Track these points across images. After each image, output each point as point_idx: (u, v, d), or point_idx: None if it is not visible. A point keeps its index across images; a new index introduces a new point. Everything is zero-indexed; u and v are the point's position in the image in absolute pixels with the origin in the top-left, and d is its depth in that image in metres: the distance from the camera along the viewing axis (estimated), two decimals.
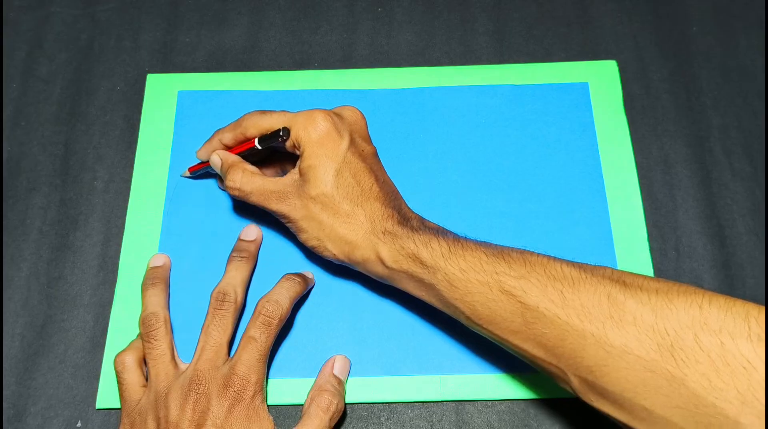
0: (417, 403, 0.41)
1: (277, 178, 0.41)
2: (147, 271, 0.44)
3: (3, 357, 0.43)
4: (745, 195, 0.47)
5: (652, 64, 0.51)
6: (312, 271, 0.44)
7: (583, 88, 0.50)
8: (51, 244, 0.46)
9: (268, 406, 0.39)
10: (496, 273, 0.34)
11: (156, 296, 0.42)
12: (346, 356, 0.41)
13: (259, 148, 0.41)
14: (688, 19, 0.53)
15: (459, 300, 0.35)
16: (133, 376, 0.39)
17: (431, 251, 0.36)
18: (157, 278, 0.43)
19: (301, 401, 0.40)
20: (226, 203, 0.47)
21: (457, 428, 0.41)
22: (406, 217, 0.40)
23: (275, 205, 0.40)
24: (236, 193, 0.42)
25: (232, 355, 0.39)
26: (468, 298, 0.35)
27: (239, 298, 0.41)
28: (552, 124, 0.48)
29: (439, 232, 0.38)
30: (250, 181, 0.41)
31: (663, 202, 0.47)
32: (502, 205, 0.46)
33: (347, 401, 0.41)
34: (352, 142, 0.40)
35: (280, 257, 0.45)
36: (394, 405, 0.41)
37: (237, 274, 0.42)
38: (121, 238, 0.46)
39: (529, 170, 0.47)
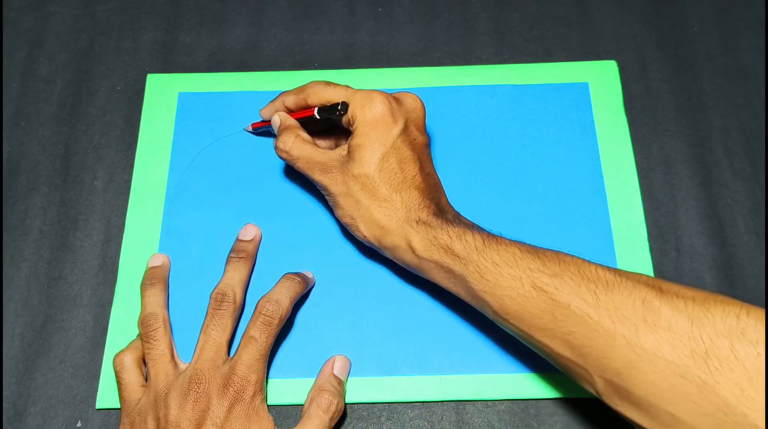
0: (417, 403, 0.41)
1: (326, 151, 0.41)
2: (146, 271, 0.44)
3: (3, 357, 0.43)
4: (745, 195, 0.47)
5: (653, 64, 0.51)
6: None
7: (583, 88, 0.50)
8: (51, 244, 0.46)
9: (268, 406, 0.39)
10: (529, 268, 0.34)
11: (155, 296, 0.42)
12: (346, 356, 0.41)
13: (318, 117, 0.42)
14: (688, 19, 0.53)
15: (488, 292, 0.35)
16: (132, 376, 0.39)
17: (465, 243, 0.36)
18: (156, 278, 0.43)
19: (301, 401, 0.40)
20: (226, 203, 0.47)
21: (457, 428, 0.41)
22: (442, 210, 0.40)
23: (318, 176, 0.41)
24: (284, 155, 0.42)
25: (232, 355, 0.39)
26: (498, 292, 0.35)
27: (238, 299, 0.41)
28: (552, 124, 0.48)
29: (474, 227, 0.38)
30: (300, 147, 0.42)
31: (663, 202, 0.47)
32: (502, 204, 0.46)
33: (347, 401, 0.41)
34: (405, 129, 0.40)
35: (280, 257, 0.45)
36: (394, 405, 0.41)
37: (235, 275, 0.42)
38: (121, 238, 0.46)
39: (529, 170, 0.47)
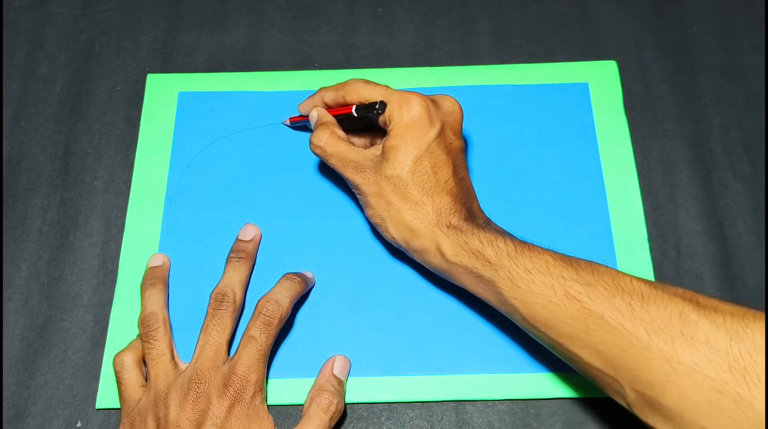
0: (417, 403, 0.41)
1: (360, 149, 0.41)
2: (146, 271, 0.44)
3: (3, 357, 0.43)
4: (745, 195, 0.47)
5: (652, 64, 0.51)
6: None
7: (583, 88, 0.50)
8: (51, 244, 0.46)
9: (268, 406, 0.39)
10: (563, 277, 0.34)
11: (155, 296, 0.42)
12: (345, 356, 0.41)
13: (355, 115, 0.42)
14: (688, 19, 0.53)
15: (519, 299, 0.35)
16: (132, 376, 0.39)
17: (496, 249, 0.36)
18: (156, 278, 0.43)
19: (301, 401, 0.40)
20: (226, 203, 0.47)
21: (457, 428, 0.41)
22: (473, 215, 0.39)
23: (350, 174, 0.41)
24: (318, 151, 0.42)
25: (232, 355, 0.39)
26: (529, 299, 0.34)
27: (238, 299, 0.41)
28: (552, 125, 0.48)
29: (505, 233, 0.38)
30: (334, 143, 0.42)
31: (663, 202, 0.47)
32: (502, 204, 0.46)
33: (347, 401, 0.41)
34: (442, 132, 0.40)
35: (280, 257, 0.45)
36: (394, 405, 0.41)
37: (235, 275, 0.42)
38: (121, 238, 0.46)
39: (528, 170, 0.47)
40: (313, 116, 0.44)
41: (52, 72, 0.52)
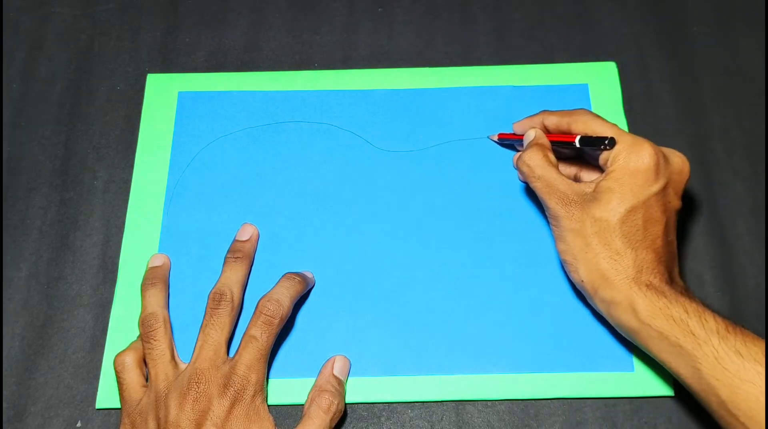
0: (417, 403, 0.41)
1: (570, 181, 0.40)
2: (146, 271, 0.44)
3: (3, 357, 0.43)
4: (745, 195, 0.47)
5: (652, 65, 0.51)
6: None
7: (583, 89, 0.50)
8: (51, 244, 0.46)
9: (268, 406, 0.39)
10: None
11: (155, 296, 0.42)
12: (345, 356, 0.41)
13: (577, 145, 0.40)
14: (688, 19, 0.53)
15: (722, 382, 0.33)
16: (132, 377, 0.39)
17: (704, 323, 0.34)
18: (157, 278, 0.43)
19: (301, 401, 0.40)
20: (226, 203, 0.46)
21: (457, 428, 0.41)
22: (673, 280, 0.38)
23: (554, 203, 0.39)
24: (526, 169, 0.41)
25: (231, 355, 0.39)
26: (735, 383, 0.32)
27: (236, 298, 0.41)
28: None
29: (710, 307, 0.36)
30: (545, 167, 0.40)
31: None
32: (502, 204, 0.46)
33: (347, 401, 0.41)
34: (664, 189, 0.38)
35: (280, 257, 0.45)
36: (394, 405, 0.41)
37: (233, 275, 0.42)
38: (121, 238, 0.46)
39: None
40: (530, 135, 0.43)
41: (52, 72, 0.52)
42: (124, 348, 0.41)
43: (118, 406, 0.41)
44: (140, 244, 0.45)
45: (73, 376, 0.42)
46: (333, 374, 0.40)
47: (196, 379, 0.37)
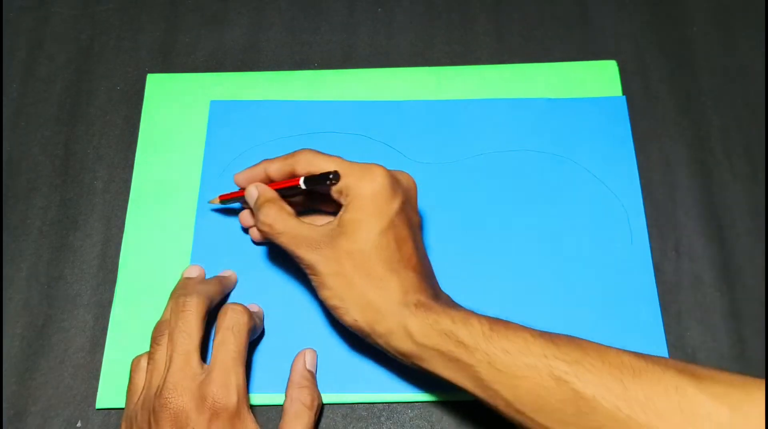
0: (417, 403, 0.41)
1: (313, 225, 0.38)
2: (179, 281, 0.42)
3: (3, 357, 0.43)
4: (745, 195, 0.47)
5: (652, 64, 0.51)
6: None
7: (620, 101, 0.49)
8: (51, 244, 0.46)
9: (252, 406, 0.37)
10: (545, 356, 0.32)
11: None
12: (313, 349, 0.41)
13: (303, 187, 0.39)
14: (688, 19, 0.53)
15: (501, 384, 0.32)
16: (138, 379, 0.39)
17: (470, 328, 0.34)
18: (185, 289, 0.41)
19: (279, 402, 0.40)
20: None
21: (457, 428, 0.41)
22: (438, 294, 0.38)
23: (304, 253, 0.37)
24: (266, 229, 0.39)
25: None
26: (511, 382, 0.32)
27: (202, 300, 0.38)
28: (587, 139, 0.48)
29: (474, 312, 0.36)
30: (284, 220, 0.38)
31: (663, 202, 0.47)
32: (534, 216, 0.46)
33: (347, 401, 0.41)
34: (403, 206, 0.38)
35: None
36: (394, 405, 0.41)
37: (197, 285, 0.40)
38: (121, 238, 0.46)
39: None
40: (252, 194, 0.40)
41: (51, 72, 0.52)
42: (124, 348, 0.41)
43: (119, 406, 0.41)
44: (140, 244, 0.45)
45: (73, 376, 0.42)
46: (306, 369, 0.40)
47: (168, 395, 0.35)
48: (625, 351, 0.32)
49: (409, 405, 0.41)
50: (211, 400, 0.34)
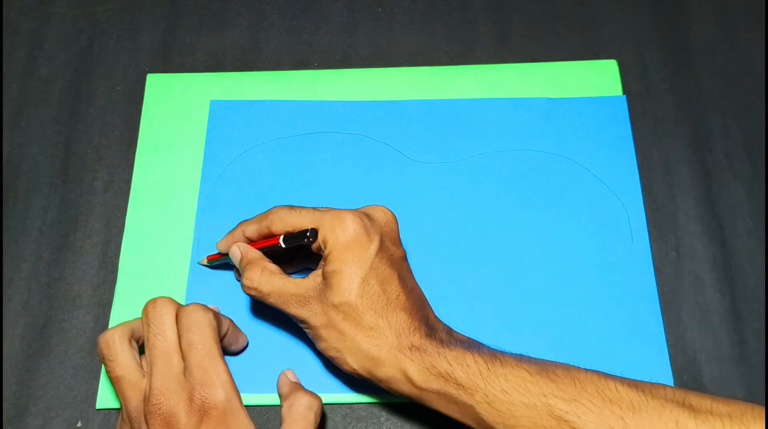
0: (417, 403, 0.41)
1: (299, 280, 0.38)
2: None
3: (3, 357, 0.43)
4: (745, 196, 0.47)
5: (652, 64, 0.51)
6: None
7: (620, 101, 0.49)
8: (51, 245, 0.46)
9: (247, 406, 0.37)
10: (544, 395, 0.32)
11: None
12: (290, 368, 0.41)
13: (283, 246, 0.39)
14: (688, 19, 0.53)
15: (501, 424, 0.33)
16: (124, 390, 0.38)
17: (466, 369, 0.34)
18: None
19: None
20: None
21: (457, 428, 0.41)
22: (433, 329, 0.37)
23: (294, 310, 0.38)
24: (253, 292, 0.39)
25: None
26: (512, 422, 0.32)
27: (173, 302, 0.38)
28: (588, 139, 0.48)
29: (471, 345, 0.36)
30: (268, 280, 0.38)
31: (663, 202, 0.47)
32: (535, 216, 0.46)
33: (347, 401, 0.41)
34: (382, 246, 0.37)
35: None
36: (394, 405, 0.41)
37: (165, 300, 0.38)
38: (121, 238, 0.46)
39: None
40: (236, 255, 0.40)
41: (51, 72, 0.52)
42: None
43: (119, 406, 0.41)
44: (140, 244, 0.45)
45: (74, 377, 0.42)
46: (294, 381, 0.40)
47: (155, 402, 0.34)
48: (621, 381, 0.32)
49: (409, 405, 0.41)
50: (198, 400, 0.34)
